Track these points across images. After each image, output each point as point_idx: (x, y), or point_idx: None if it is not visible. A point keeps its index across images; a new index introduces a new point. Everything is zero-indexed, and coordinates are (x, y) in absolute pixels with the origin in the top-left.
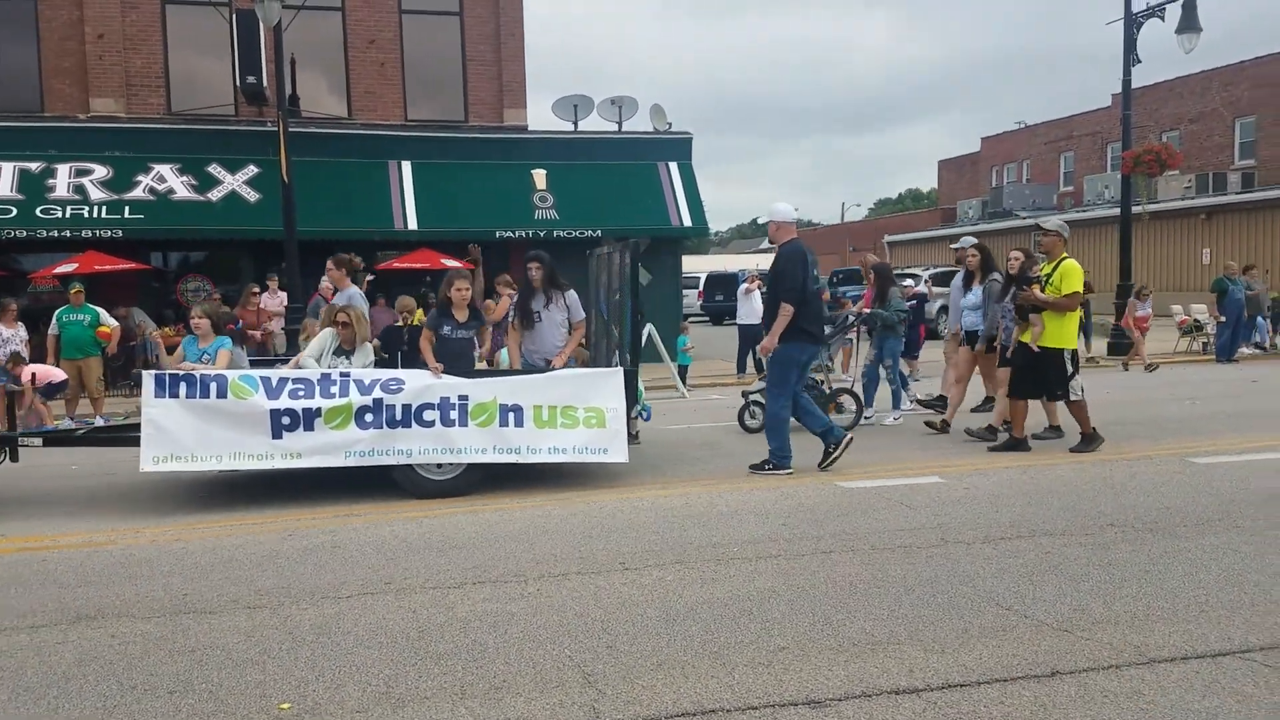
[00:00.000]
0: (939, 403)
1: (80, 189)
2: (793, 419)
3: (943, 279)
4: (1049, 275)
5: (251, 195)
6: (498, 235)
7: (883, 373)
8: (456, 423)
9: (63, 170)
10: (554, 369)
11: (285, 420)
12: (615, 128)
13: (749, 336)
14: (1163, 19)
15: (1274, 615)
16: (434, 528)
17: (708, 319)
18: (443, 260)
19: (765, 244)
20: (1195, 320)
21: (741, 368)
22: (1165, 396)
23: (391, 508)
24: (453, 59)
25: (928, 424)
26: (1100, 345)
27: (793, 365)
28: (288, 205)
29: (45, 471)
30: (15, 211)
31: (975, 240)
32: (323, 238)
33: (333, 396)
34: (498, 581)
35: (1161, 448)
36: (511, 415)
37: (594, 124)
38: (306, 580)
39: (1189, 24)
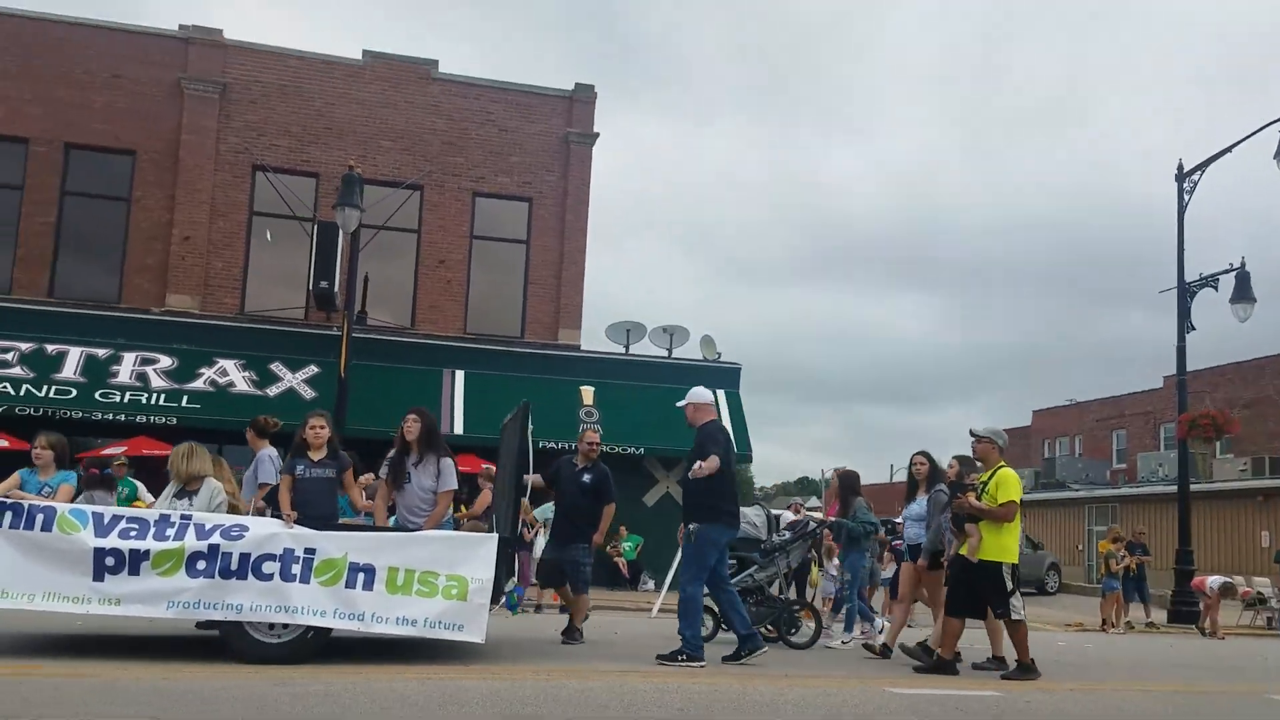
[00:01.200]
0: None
1: (142, 376)
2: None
3: None
4: (985, 483)
5: (309, 393)
6: (541, 445)
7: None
8: (297, 578)
9: (129, 358)
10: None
11: (109, 561)
12: (665, 354)
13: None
14: (1215, 289)
15: None
16: (438, 688)
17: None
18: (483, 464)
19: (811, 502)
20: (1259, 594)
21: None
22: (1234, 652)
23: (393, 670)
24: (515, 281)
25: (866, 646)
26: (1160, 614)
27: (713, 547)
28: (340, 401)
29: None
30: (75, 393)
31: (926, 451)
32: (371, 436)
33: (166, 539)
34: None
35: (1237, 687)
36: (361, 575)
37: (645, 349)
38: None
39: (1243, 294)
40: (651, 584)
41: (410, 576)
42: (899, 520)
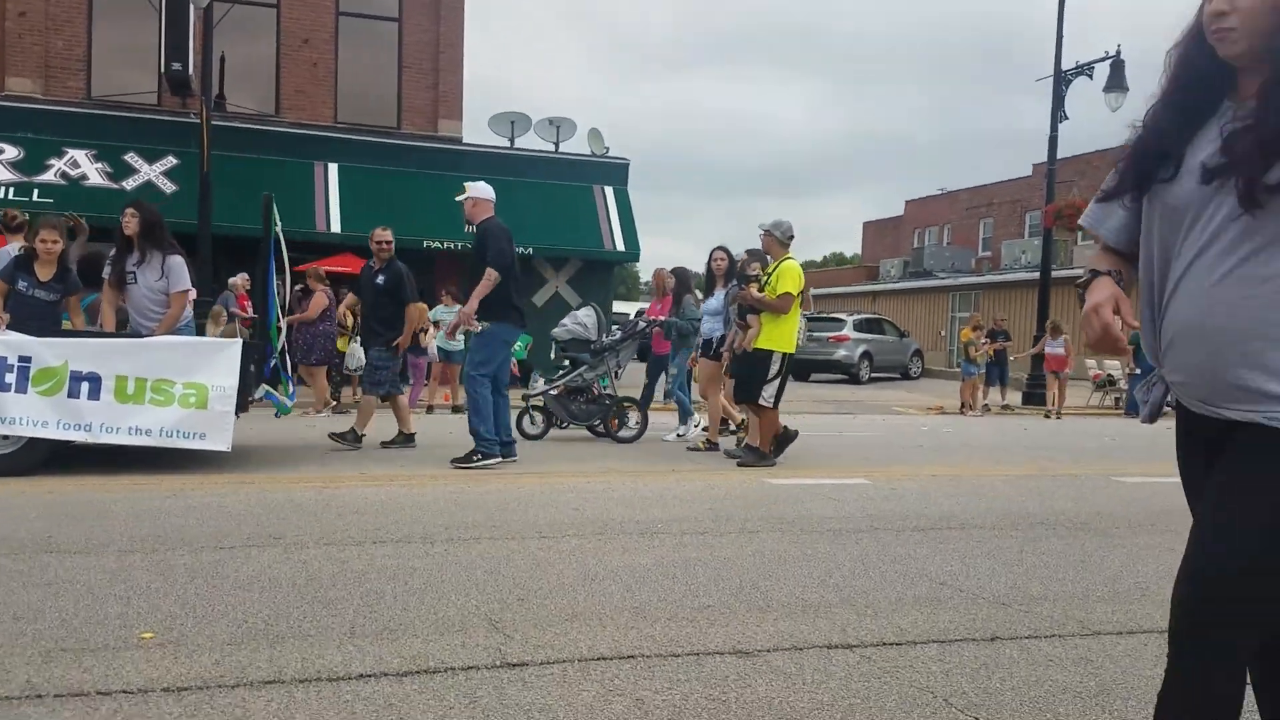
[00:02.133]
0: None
1: None
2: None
3: (863, 325)
4: (769, 275)
5: (168, 186)
6: (425, 245)
7: (668, 383)
8: (13, 388)
9: None
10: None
11: None
12: (552, 148)
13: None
14: (1090, 77)
15: None
16: (334, 496)
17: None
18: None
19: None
20: (1109, 375)
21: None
22: (1082, 433)
23: (285, 478)
24: (389, 64)
25: (690, 448)
26: (1015, 397)
27: (501, 346)
28: (204, 197)
29: None
30: None
31: (724, 246)
32: (240, 233)
33: None
34: (401, 541)
35: (1085, 468)
36: (86, 385)
37: (530, 143)
38: (187, 531)
39: (1116, 83)
40: (541, 382)
41: (141, 385)
42: None
